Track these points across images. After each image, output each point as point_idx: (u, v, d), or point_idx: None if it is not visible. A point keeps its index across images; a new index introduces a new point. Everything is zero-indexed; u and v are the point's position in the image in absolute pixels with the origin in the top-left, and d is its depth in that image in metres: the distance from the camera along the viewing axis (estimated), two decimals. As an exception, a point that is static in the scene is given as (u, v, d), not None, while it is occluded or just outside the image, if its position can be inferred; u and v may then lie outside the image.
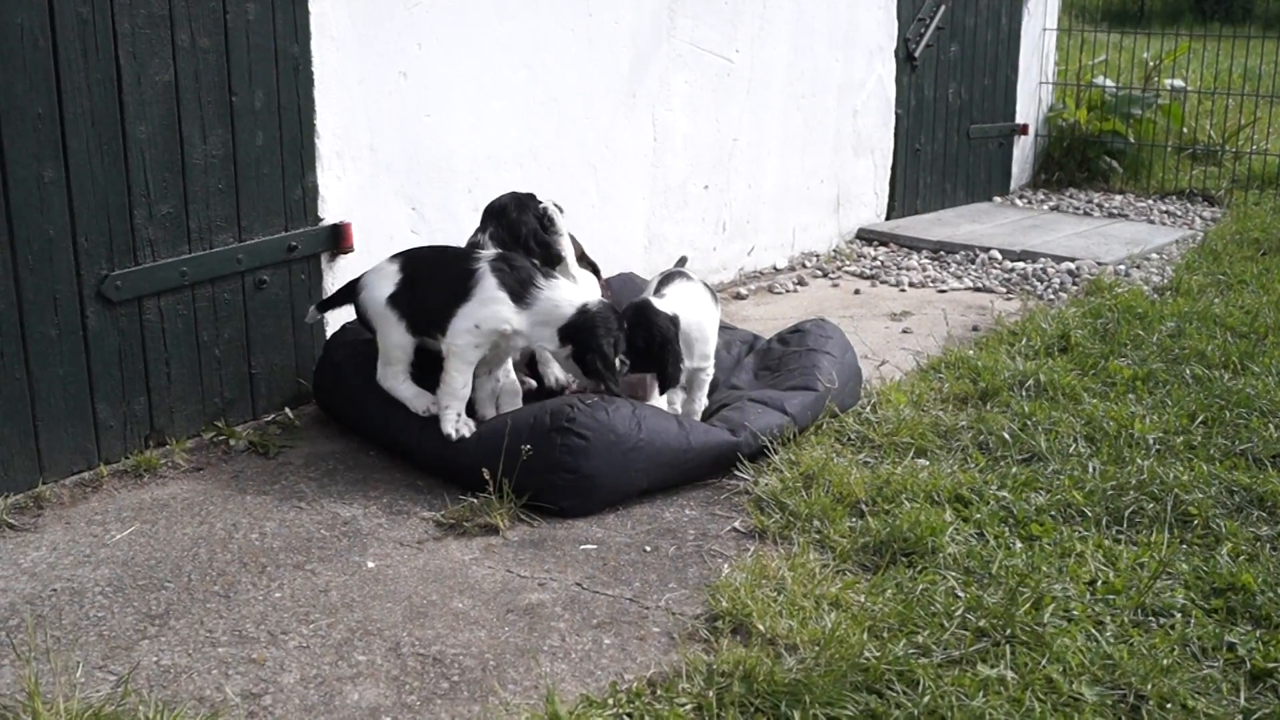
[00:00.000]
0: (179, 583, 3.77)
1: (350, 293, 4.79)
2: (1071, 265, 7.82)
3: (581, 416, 4.30)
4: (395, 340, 4.64)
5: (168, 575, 3.82)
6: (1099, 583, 3.75)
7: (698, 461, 4.49)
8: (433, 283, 4.60)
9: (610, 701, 3.19)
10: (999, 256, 8.14)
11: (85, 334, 4.39)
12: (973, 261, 8.09)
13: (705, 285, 5.11)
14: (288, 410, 5.07)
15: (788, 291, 7.38)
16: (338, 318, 5.19)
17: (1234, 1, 22.63)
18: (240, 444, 4.79)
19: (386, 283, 4.66)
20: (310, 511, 4.28)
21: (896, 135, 8.90)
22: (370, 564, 3.92)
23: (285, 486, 4.48)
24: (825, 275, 7.79)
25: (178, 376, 4.71)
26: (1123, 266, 7.83)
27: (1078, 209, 9.84)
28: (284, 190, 4.98)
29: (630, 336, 4.58)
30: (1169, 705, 3.17)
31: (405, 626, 3.55)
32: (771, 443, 4.63)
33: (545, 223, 4.99)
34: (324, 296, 5.08)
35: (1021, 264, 7.96)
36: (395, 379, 4.67)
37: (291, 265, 5.05)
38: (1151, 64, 11.38)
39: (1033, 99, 10.41)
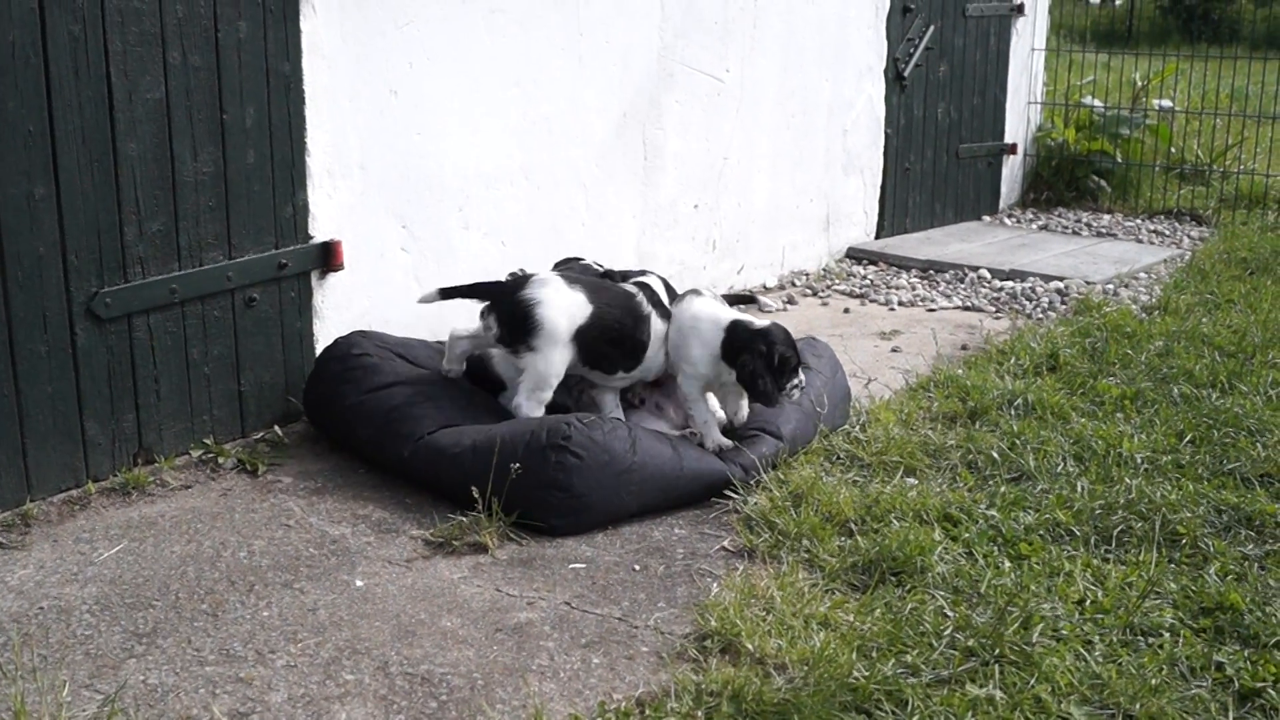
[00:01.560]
0: (167, 601, 3.76)
1: (497, 294, 4.68)
2: (1060, 284, 7.83)
3: (577, 435, 4.29)
4: (557, 371, 4.66)
5: (155, 594, 3.80)
6: (1088, 602, 3.75)
7: (689, 487, 4.48)
8: (621, 328, 4.74)
9: (599, 721, 3.18)
10: (988, 275, 8.14)
11: (74, 351, 4.38)
12: (962, 280, 8.09)
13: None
14: (277, 428, 5.05)
15: (777, 310, 7.38)
16: (327, 333, 5.18)
17: (1221, 22, 22.72)
18: (229, 462, 4.78)
19: (575, 311, 4.65)
20: (299, 530, 4.27)
21: (886, 154, 8.90)
22: (359, 583, 3.90)
23: (274, 505, 4.47)
24: (815, 294, 7.79)
25: (167, 394, 4.70)
26: (1111, 285, 7.84)
27: (1066, 228, 9.85)
28: (274, 208, 4.97)
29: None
30: (1157, 725, 3.17)
31: (394, 645, 3.54)
32: (762, 466, 4.61)
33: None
34: (439, 292, 4.84)
35: (1010, 283, 7.96)
36: (535, 410, 4.66)
37: (281, 283, 5.04)
38: (1139, 84, 11.41)
39: (1021, 119, 10.43)
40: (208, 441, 4.85)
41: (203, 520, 4.32)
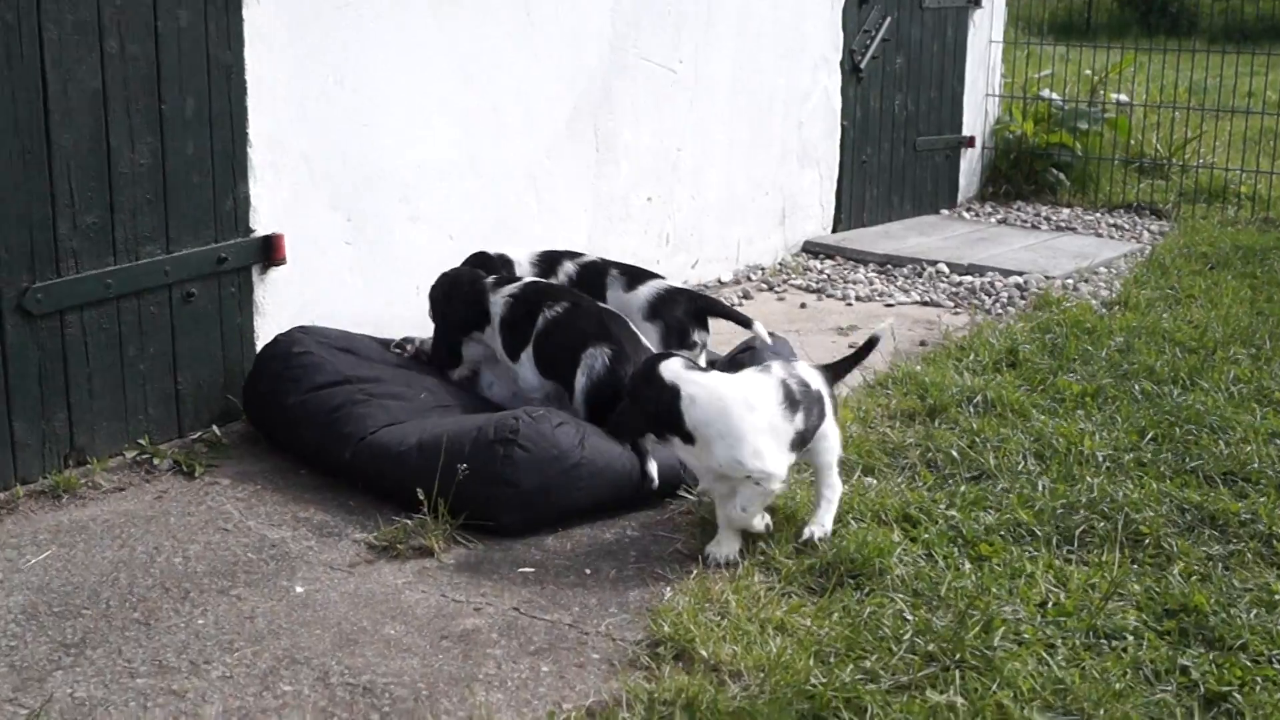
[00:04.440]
0: (97, 610, 3.65)
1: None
2: (1019, 279, 7.81)
3: (525, 428, 4.24)
4: None
5: (85, 602, 3.69)
6: (1050, 604, 3.71)
7: (642, 485, 4.42)
8: None
9: (547, 732, 3.12)
10: (946, 270, 8.12)
11: (3, 348, 4.27)
12: (920, 275, 8.06)
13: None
14: (215, 428, 4.95)
15: (734, 306, 7.32)
16: (268, 329, 5.09)
17: (1180, 15, 22.85)
18: (164, 463, 4.67)
19: None
20: (236, 534, 4.17)
21: (843, 147, 8.87)
22: (299, 589, 3.82)
23: (211, 508, 4.37)
24: (771, 289, 7.74)
25: (100, 393, 4.59)
26: (1071, 280, 7.82)
27: (1025, 222, 9.85)
28: (214, 200, 4.88)
29: None
30: (1122, 732, 3.13)
31: (334, 655, 3.45)
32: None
33: None
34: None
35: (969, 277, 7.94)
36: None
37: (221, 278, 4.94)
38: (1097, 78, 11.42)
39: (979, 111, 10.42)
40: (142, 442, 4.74)
41: (136, 524, 4.21)
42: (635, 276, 5.31)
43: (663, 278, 5.35)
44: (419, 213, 5.79)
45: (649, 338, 4.97)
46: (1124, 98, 11.37)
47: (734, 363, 5.28)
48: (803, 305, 7.35)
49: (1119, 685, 3.28)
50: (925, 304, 7.43)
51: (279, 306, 5.18)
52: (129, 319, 4.65)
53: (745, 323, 5.17)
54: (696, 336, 5.03)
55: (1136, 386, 5.50)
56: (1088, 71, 11.60)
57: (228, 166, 4.91)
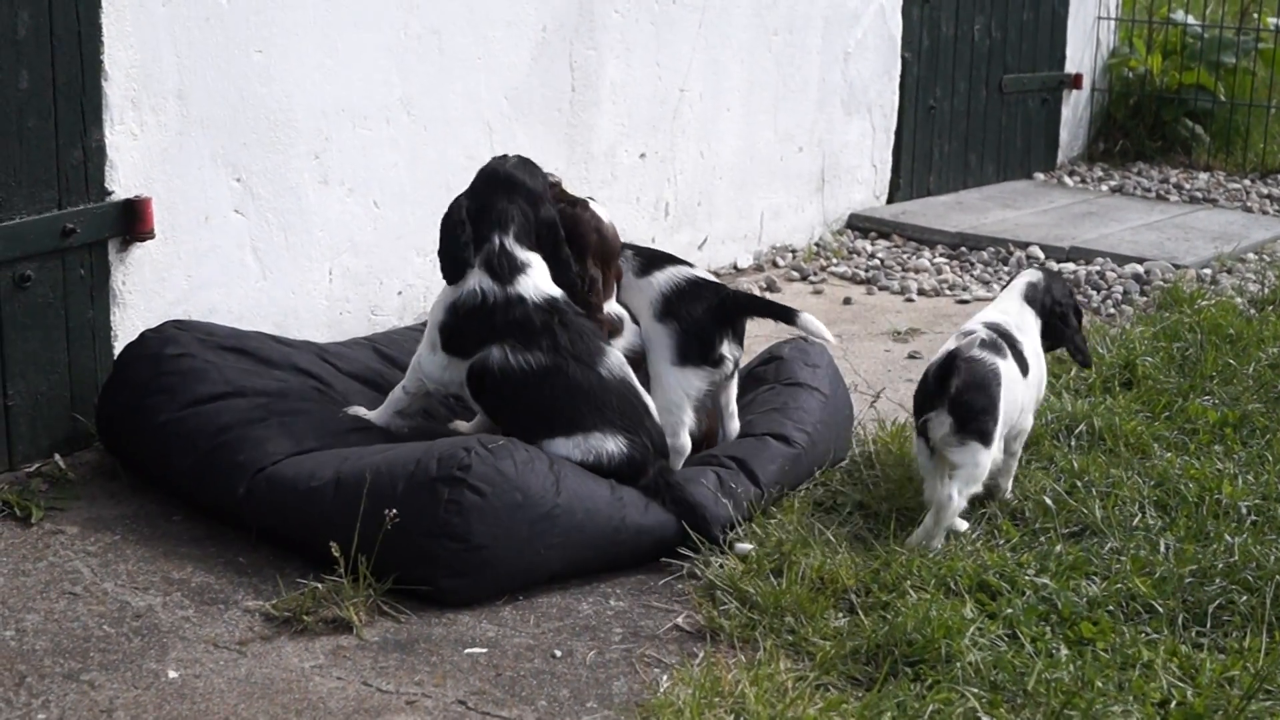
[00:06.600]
0: (-100, 700, 3.73)
1: None
2: (1139, 268, 7.88)
3: (480, 465, 4.26)
4: None
5: (-115, 689, 3.78)
6: (1173, 704, 3.76)
7: (632, 545, 4.50)
8: None
9: None
10: (1041, 255, 8.19)
11: None
12: (1005, 261, 8.14)
13: None
14: (58, 458, 5.01)
15: (753, 299, 7.39)
16: (131, 325, 5.15)
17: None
18: (-10, 506, 4.75)
19: None
20: (89, 600, 4.24)
21: (903, 87, 8.93)
22: (172, 673, 3.87)
23: (54, 565, 4.43)
24: (804, 278, 7.81)
25: (-96, 410, 4.68)
26: (1209, 270, 7.90)
27: (1148, 191, 9.92)
28: (57, 151, 4.92)
29: None
30: None
31: (220, 760, 3.53)
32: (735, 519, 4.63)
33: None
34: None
35: (1071, 265, 8.01)
36: None
37: (67, 255, 5.00)
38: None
39: (1088, 40, 10.49)
40: (-42, 478, 4.83)
41: (-46, 586, 4.29)
42: (653, 260, 5.23)
43: (688, 264, 5.26)
44: (334, 173, 5.85)
45: (658, 345, 5.00)
46: (1285, 23, 11.44)
47: (752, 377, 5.38)
48: (847, 300, 7.43)
49: (1263, 812, 3.36)
50: (1012, 300, 7.52)
51: (146, 295, 5.24)
52: (-57, 310, 4.74)
53: (788, 316, 5.12)
54: (727, 349, 4.95)
55: (1294, 414, 5.59)
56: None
57: (75, 106, 4.97)
